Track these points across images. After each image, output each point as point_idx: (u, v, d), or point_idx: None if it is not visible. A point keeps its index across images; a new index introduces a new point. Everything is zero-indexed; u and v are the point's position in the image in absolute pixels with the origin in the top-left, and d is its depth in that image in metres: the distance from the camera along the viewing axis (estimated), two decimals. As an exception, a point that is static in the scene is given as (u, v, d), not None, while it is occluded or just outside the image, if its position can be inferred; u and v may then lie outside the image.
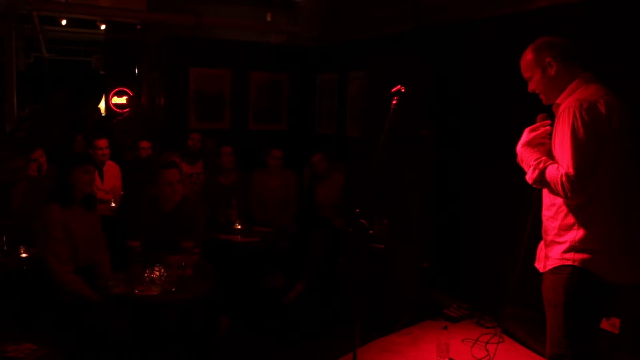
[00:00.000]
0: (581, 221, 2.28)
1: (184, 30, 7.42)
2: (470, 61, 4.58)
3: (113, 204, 5.21)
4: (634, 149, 2.30)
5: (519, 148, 2.44)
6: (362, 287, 2.85)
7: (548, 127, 2.42)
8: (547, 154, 2.36)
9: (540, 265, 2.46)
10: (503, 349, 3.70)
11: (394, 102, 2.75)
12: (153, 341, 3.47)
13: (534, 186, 2.38)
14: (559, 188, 2.18)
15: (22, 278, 3.58)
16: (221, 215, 4.98)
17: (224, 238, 4.65)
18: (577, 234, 2.29)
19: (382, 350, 3.72)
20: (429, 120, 4.44)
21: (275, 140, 6.11)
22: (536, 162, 2.30)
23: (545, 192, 2.42)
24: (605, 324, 3.19)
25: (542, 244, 2.49)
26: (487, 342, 3.74)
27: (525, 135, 2.45)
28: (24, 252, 3.76)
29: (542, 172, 2.26)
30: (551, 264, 2.37)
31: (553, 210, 2.37)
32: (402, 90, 2.74)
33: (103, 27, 9.80)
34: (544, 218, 2.44)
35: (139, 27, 9.46)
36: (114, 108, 10.14)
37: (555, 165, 2.24)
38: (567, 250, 2.31)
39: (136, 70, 10.08)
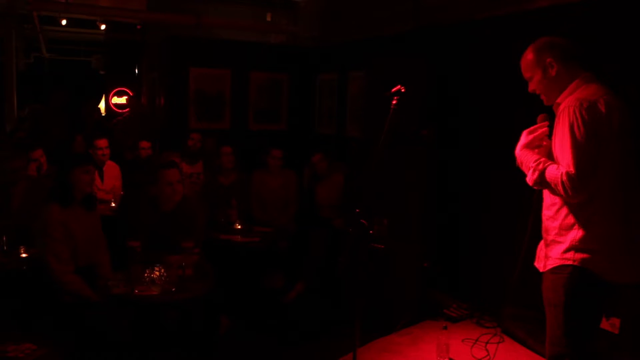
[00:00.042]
0: (581, 221, 2.28)
1: (184, 30, 7.42)
2: (470, 61, 4.58)
3: (113, 204, 5.21)
4: (634, 149, 2.30)
5: (517, 151, 2.44)
6: (362, 287, 2.85)
7: (546, 129, 2.43)
8: (546, 156, 2.36)
9: (540, 264, 2.47)
10: (503, 349, 3.70)
11: (394, 102, 2.75)
12: (153, 341, 3.47)
13: (534, 188, 2.38)
14: (560, 187, 2.19)
15: (22, 278, 3.58)
16: (221, 215, 4.98)
17: (224, 238, 4.65)
18: (577, 233, 2.29)
19: (382, 350, 3.72)
20: (429, 120, 4.44)
21: (275, 140, 6.12)
22: (535, 163, 2.31)
23: (545, 191, 2.42)
24: (605, 324, 3.19)
25: (542, 243, 2.49)
26: (487, 342, 3.74)
27: (524, 138, 2.45)
28: (24, 252, 3.76)
29: (542, 173, 2.26)
30: (551, 263, 2.37)
31: (553, 210, 2.37)
32: (402, 90, 2.74)
33: (103, 27, 9.79)
34: (544, 218, 2.44)
35: (139, 27, 9.46)
36: (114, 108, 10.13)
37: (555, 166, 2.24)
38: (567, 250, 2.31)
39: (136, 70, 10.08)
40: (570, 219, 2.30)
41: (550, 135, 2.38)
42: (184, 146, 5.80)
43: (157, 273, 3.29)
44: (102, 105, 10.63)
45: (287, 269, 5.03)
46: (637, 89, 3.01)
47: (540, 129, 2.43)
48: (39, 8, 8.57)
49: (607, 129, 2.21)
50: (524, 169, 2.38)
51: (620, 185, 2.27)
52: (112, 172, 5.45)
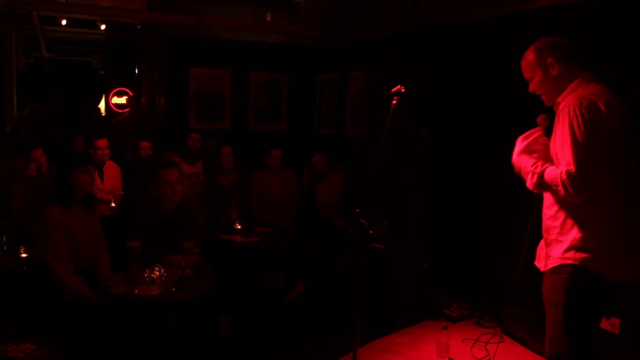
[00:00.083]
0: (582, 221, 2.28)
1: (184, 30, 7.42)
2: (470, 61, 4.58)
3: (113, 204, 5.21)
4: (634, 149, 2.30)
5: (514, 158, 2.44)
6: (362, 287, 2.85)
7: (539, 133, 2.44)
8: (545, 155, 2.36)
9: (541, 264, 2.46)
10: (503, 349, 3.70)
11: (394, 102, 2.75)
12: (153, 341, 3.47)
13: (535, 192, 2.37)
14: (560, 187, 2.18)
15: (22, 278, 3.58)
16: (221, 215, 4.98)
17: (224, 238, 4.65)
18: (577, 233, 2.29)
19: (382, 350, 3.72)
20: (429, 120, 4.44)
21: (275, 140, 6.12)
22: (533, 167, 2.31)
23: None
24: (605, 324, 3.19)
25: (542, 242, 2.49)
26: (487, 342, 3.74)
27: (519, 145, 2.46)
28: (24, 252, 3.76)
29: (541, 175, 2.26)
30: (552, 262, 2.37)
31: (554, 209, 2.37)
32: (402, 90, 2.74)
33: (103, 27, 9.79)
34: (544, 217, 2.44)
35: (139, 27, 9.46)
36: (114, 108, 10.13)
37: (553, 167, 2.24)
38: (567, 249, 2.31)
39: (136, 70, 10.08)
40: (571, 219, 2.30)
41: (549, 134, 2.39)
42: (184, 146, 5.80)
43: (157, 273, 3.29)
44: (102, 105, 10.63)
45: (287, 269, 5.03)
46: (637, 89, 3.01)
47: (534, 133, 2.45)
48: (39, 8, 8.57)
49: (607, 128, 2.20)
50: (522, 174, 2.38)
51: (621, 185, 2.26)
52: (112, 172, 5.45)
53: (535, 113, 2.49)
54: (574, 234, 2.29)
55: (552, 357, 2.38)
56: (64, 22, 9.73)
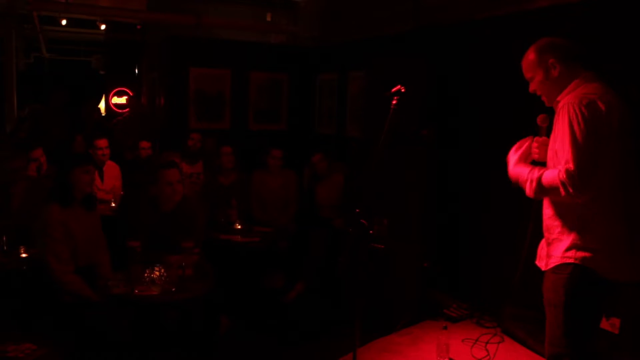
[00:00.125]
0: (582, 220, 2.28)
1: (184, 30, 7.42)
2: (470, 61, 4.58)
3: (113, 204, 5.21)
4: (634, 149, 2.30)
5: (510, 170, 2.43)
6: (362, 287, 2.85)
7: (529, 141, 2.44)
8: (545, 153, 2.36)
9: (542, 263, 2.46)
10: (503, 349, 3.70)
11: (394, 102, 2.75)
12: (153, 341, 3.47)
13: (537, 198, 2.37)
14: (560, 188, 2.17)
15: (22, 278, 3.58)
16: (221, 215, 4.98)
17: (224, 238, 4.65)
18: (578, 232, 2.29)
19: (382, 350, 3.72)
20: (429, 120, 4.44)
21: (275, 140, 6.12)
22: (530, 174, 2.30)
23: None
24: (605, 324, 3.19)
25: (543, 242, 2.49)
26: (487, 342, 3.74)
27: (512, 156, 2.46)
28: (24, 252, 3.76)
29: (539, 180, 2.26)
30: (553, 262, 2.37)
31: (555, 209, 2.37)
32: (402, 90, 2.74)
33: (103, 27, 9.79)
34: (545, 217, 2.44)
35: (139, 27, 9.46)
36: (114, 108, 10.13)
37: (550, 169, 2.24)
38: (568, 249, 2.31)
39: (136, 70, 10.08)
40: (572, 218, 2.30)
41: (549, 133, 2.38)
42: (184, 146, 5.80)
43: (157, 273, 3.29)
44: (102, 105, 10.62)
45: (287, 269, 5.03)
46: (637, 89, 3.01)
47: (525, 142, 2.45)
48: (39, 8, 8.57)
49: (606, 127, 2.20)
50: (521, 184, 2.37)
51: (621, 185, 2.26)
52: (112, 172, 5.45)
53: (535, 113, 2.49)
54: (575, 233, 2.29)
55: (552, 357, 2.38)
56: (64, 22, 9.72)
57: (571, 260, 2.30)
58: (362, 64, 5.74)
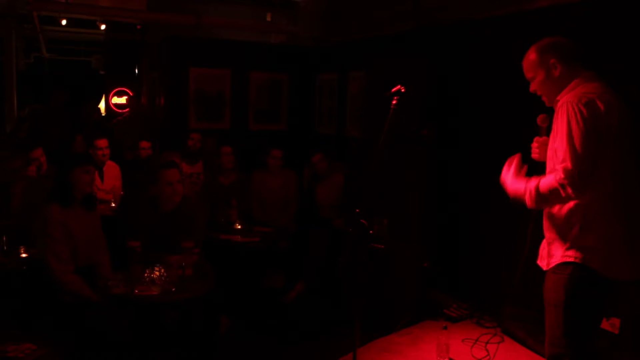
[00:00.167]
0: (582, 220, 2.28)
1: (184, 30, 7.42)
2: (470, 61, 4.57)
3: (113, 204, 5.21)
4: (633, 149, 2.30)
5: (508, 187, 2.42)
6: (362, 287, 2.85)
7: (517, 157, 2.45)
8: (544, 153, 2.36)
9: (544, 263, 2.46)
10: (503, 349, 3.70)
11: (394, 102, 2.75)
12: (153, 341, 3.47)
13: (540, 208, 2.36)
14: (560, 190, 2.16)
15: (22, 278, 3.58)
16: (221, 215, 4.98)
17: (224, 238, 4.65)
18: (578, 232, 2.29)
19: (382, 350, 3.72)
20: (429, 120, 4.44)
21: (275, 140, 6.12)
22: (527, 185, 2.30)
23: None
24: (605, 324, 3.19)
25: (544, 241, 2.49)
26: (487, 342, 3.74)
27: (506, 172, 2.45)
28: (24, 252, 3.76)
29: (537, 188, 2.25)
30: (554, 261, 2.37)
31: (555, 208, 2.37)
32: (402, 90, 2.74)
33: (103, 27, 9.79)
34: (546, 216, 2.44)
35: (139, 27, 9.46)
36: (114, 108, 10.13)
37: (545, 176, 2.24)
38: (569, 248, 2.31)
39: (136, 70, 10.08)
40: (572, 218, 2.30)
41: (549, 133, 2.38)
42: (184, 146, 5.79)
43: (157, 273, 3.29)
44: (102, 105, 10.62)
45: (287, 269, 5.03)
46: (637, 89, 3.01)
47: (514, 159, 2.45)
48: (39, 8, 8.57)
49: (605, 126, 2.20)
50: (520, 197, 2.35)
51: (621, 184, 2.26)
52: (112, 172, 5.45)
53: (535, 113, 2.49)
54: (575, 233, 2.29)
55: (552, 357, 2.38)
56: (64, 22, 9.72)
57: (571, 260, 2.30)
58: (362, 64, 5.74)
